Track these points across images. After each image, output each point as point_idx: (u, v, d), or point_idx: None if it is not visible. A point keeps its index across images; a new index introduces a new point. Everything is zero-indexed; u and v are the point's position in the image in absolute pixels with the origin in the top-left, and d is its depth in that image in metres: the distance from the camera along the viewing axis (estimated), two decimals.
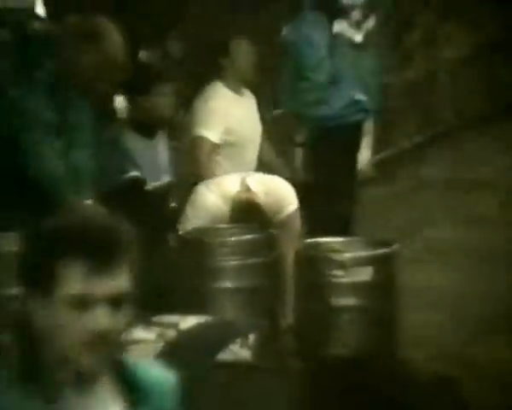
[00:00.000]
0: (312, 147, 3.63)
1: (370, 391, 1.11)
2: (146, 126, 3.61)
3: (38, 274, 1.52)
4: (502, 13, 7.48)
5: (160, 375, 1.67)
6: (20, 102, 2.87)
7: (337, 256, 2.94)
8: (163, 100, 3.54)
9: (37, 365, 1.57)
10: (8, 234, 2.66)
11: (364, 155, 3.68)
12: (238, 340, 3.13)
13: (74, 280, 1.48)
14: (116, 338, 1.48)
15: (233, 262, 3.03)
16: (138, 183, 3.41)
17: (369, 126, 3.70)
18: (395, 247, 2.96)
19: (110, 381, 1.54)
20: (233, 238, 3.14)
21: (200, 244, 3.21)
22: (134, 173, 3.29)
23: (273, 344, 3.20)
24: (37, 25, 3.66)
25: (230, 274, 3.10)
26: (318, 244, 3.07)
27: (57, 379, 1.54)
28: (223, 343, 2.98)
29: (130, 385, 1.60)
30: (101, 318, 1.43)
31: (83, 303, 1.46)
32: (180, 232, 3.38)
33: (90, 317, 1.45)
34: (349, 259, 2.93)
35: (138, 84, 3.50)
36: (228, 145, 3.60)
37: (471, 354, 3.46)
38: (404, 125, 7.23)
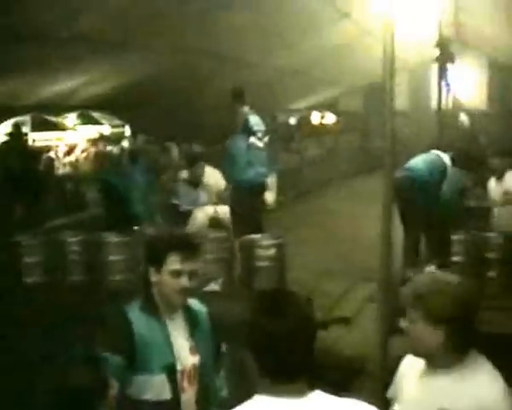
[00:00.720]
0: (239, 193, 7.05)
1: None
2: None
3: (157, 258, 2.98)
4: None
5: (200, 306, 3.16)
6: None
7: (258, 243, 6.18)
8: None
9: (152, 301, 3.01)
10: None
11: (270, 196, 7.14)
12: (213, 281, 6.27)
13: (174, 262, 2.94)
14: (191, 291, 2.97)
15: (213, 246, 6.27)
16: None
17: (271, 181, 7.17)
18: (282, 239, 6.27)
19: (181, 311, 3.04)
20: (211, 235, 6.42)
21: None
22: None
23: (230, 283, 6.32)
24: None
25: (212, 251, 6.30)
26: (250, 238, 6.37)
27: (162, 309, 2.98)
28: (206, 283, 6.11)
29: (188, 312, 3.06)
30: (186, 281, 2.94)
31: (178, 274, 2.94)
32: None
33: (181, 281, 2.94)
34: (264, 244, 6.17)
35: None
36: None
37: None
38: None
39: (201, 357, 3.02)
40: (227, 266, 6.30)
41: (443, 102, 9.69)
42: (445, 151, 6.99)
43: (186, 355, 2.98)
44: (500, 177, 7.31)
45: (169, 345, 2.95)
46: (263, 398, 2.05)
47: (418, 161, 7.02)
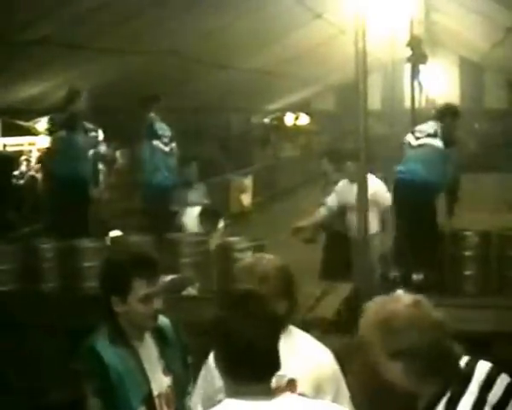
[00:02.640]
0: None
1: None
2: None
3: (121, 287, 2.75)
4: None
5: (164, 320, 2.97)
6: None
7: (235, 246, 6.14)
8: None
9: (120, 331, 2.81)
10: None
11: (246, 198, 7.06)
12: (191, 286, 6.24)
13: (142, 287, 2.74)
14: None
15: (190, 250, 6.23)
16: None
17: (248, 181, 7.10)
18: (260, 241, 6.24)
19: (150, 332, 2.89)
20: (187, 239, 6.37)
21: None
22: None
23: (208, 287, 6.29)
24: None
25: (189, 254, 6.26)
26: (227, 241, 6.33)
27: (131, 336, 2.81)
28: (184, 287, 6.07)
29: (156, 330, 2.90)
30: (158, 302, 2.79)
31: (148, 298, 2.76)
32: None
33: (153, 304, 2.77)
34: (241, 247, 6.14)
35: None
36: None
37: None
38: None
39: (174, 375, 2.91)
40: (204, 270, 6.26)
41: (416, 101, 9.73)
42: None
43: (160, 378, 2.86)
44: None
45: (144, 374, 2.81)
46: (231, 401, 2.02)
47: (416, 163, 6.86)
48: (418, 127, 7.09)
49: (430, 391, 2.17)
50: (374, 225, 6.31)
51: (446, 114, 6.82)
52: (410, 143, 6.91)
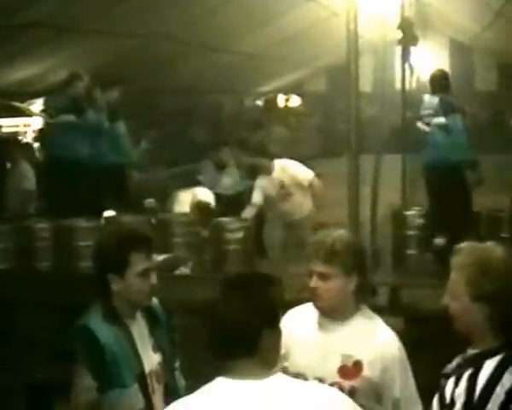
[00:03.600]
0: None
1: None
2: None
3: (119, 263, 2.75)
4: None
5: (155, 300, 3.02)
6: None
7: (227, 226, 6.18)
8: None
9: (114, 309, 2.79)
10: None
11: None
12: (183, 264, 6.31)
13: (140, 261, 2.75)
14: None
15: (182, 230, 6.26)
16: None
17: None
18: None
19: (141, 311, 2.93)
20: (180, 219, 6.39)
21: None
22: None
23: (199, 267, 6.36)
24: None
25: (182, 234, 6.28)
26: (219, 221, 6.37)
27: (124, 314, 2.81)
28: (177, 266, 6.15)
29: (146, 308, 2.94)
30: (155, 278, 2.82)
31: (146, 273, 2.78)
32: None
33: (151, 279, 2.80)
34: (232, 227, 6.18)
35: None
36: None
37: None
38: None
39: (162, 352, 2.95)
40: (197, 250, 6.33)
41: (406, 82, 9.74)
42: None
43: (151, 356, 2.89)
44: None
45: (136, 352, 2.83)
46: (222, 380, 2.04)
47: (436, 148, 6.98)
48: (422, 112, 7.21)
49: (488, 344, 2.24)
50: (307, 205, 6.60)
51: (439, 84, 6.93)
52: (424, 131, 7.07)
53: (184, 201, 7.20)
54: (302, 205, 7.05)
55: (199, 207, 6.78)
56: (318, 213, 7.00)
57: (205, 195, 7.28)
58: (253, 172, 7.37)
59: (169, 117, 12.71)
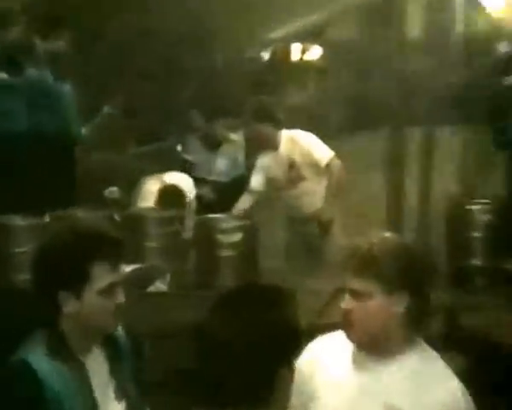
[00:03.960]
0: None
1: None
2: None
3: (76, 277, 2.69)
4: None
5: (121, 334, 2.97)
6: None
7: (219, 226, 6.13)
8: None
9: (63, 341, 2.72)
10: None
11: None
12: (159, 278, 6.24)
13: (104, 275, 2.70)
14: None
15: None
16: None
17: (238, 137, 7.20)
18: (252, 219, 6.28)
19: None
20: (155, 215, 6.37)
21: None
22: None
23: (180, 281, 6.29)
24: None
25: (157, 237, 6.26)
26: (208, 219, 6.34)
27: (77, 347, 2.74)
28: (150, 280, 6.09)
29: (107, 340, 2.90)
30: (122, 295, 2.76)
31: (111, 289, 2.72)
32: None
33: (116, 297, 2.75)
34: (226, 227, 6.13)
35: None
36: None
37: None
38: None
39: (127, 399, 2.92)
40: (177, 258, 6.26)
41: (470, 25, 9.71)
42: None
43: (112, 403, 2.86)
44: None
45: (92, 397, 2.78)
46: None
47: None
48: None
49: None
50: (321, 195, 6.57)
51: None
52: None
53: (153, 191, 7.11)
54: (315, 194, 6.95)
55: (165, 193, 6.78)
56: (340, 206, 6.91)
57: (177, 178, 7.24)
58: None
59: (142, 74, 12.66)
